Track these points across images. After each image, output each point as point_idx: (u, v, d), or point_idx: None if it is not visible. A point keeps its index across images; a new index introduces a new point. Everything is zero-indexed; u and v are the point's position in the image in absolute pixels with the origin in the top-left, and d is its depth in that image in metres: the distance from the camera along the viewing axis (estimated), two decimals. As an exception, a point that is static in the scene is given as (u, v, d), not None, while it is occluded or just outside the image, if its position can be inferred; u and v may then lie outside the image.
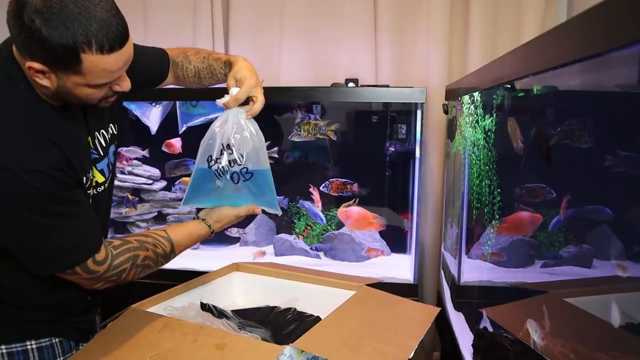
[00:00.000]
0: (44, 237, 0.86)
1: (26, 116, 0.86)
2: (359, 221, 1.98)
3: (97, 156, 1.01)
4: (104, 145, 1.03)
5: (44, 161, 0.83)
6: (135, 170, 2.15)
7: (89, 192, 0.96)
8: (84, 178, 0.94)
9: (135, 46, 1.07)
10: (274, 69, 2.25)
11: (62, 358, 1.02)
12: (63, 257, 0.89)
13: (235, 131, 1.06)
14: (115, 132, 1.08)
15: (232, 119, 1.08)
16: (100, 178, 1.01)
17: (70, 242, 0.89)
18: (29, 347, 0.98)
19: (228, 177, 1.07)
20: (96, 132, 1.01)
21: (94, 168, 0.99)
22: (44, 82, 0.84)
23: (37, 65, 0.80)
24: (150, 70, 1.21)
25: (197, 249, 2.14)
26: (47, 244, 0.87)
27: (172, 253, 1.05)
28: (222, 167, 1.07)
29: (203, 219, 1.12)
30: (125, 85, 0.92)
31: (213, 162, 1.08)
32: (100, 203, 1.03)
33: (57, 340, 1.01)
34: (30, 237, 0.86)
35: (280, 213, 1.15)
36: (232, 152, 1.06)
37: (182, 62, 1.26)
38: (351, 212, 1.98)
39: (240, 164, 1.06)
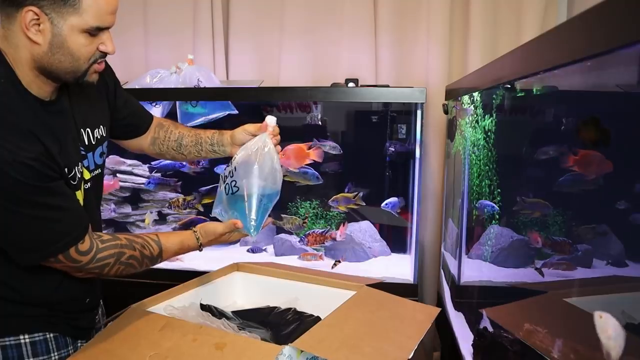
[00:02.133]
0: (25, 226, 0.87)
1: (4, 108, 0.87)
2: (297, 157, 1.95)
3: (83, 152, 1.02)
4: (88, 143, 1.04)
5: (22, 152, 0.84)
6: (136, 170, 2.15)
7: (74, 183, 0.97)
8: (71, 170, 0.95)
9: (125, 91, 1.22)
10: (274, 69, 2.25)
11: (56, 353, 1.02)
12: (44, 247, 0.90)
13: (250, 148, 1.11)
14: (105, 135, 1.09)
15: (256, 140, 1.13)
16: (86, 174, 1.03)
17: (51, 232, 0.90)
18: (22, 341, 0.98)
19: (224, 185, 1.11)
20: (81, 129, 1.02)
21: (82, 164, 1.01)
22: (38, 37, 0.86)
23: (32, 12, 0.84)
24: (133, 115, 1.22)
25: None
26: (29, 233, 0.88)
27: (160, 257, 1.06)
28: (224, 175, 1.13)
29: (195, 231, 1.12)
30: (111, 46, 0.94)
31: (224, 169, 1.15)
32: (89, 198, 1.04)
33: (51, 335, 1.01)
34: (11, 226, 0.87)
35: (253, 237, 1.20)
36: (231, 164, 1.12)
37: (169, 126, 1.27)
38: (287, 151, 1.94)
39: (231, 176, 1.10)
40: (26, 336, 0.98)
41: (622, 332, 0.70)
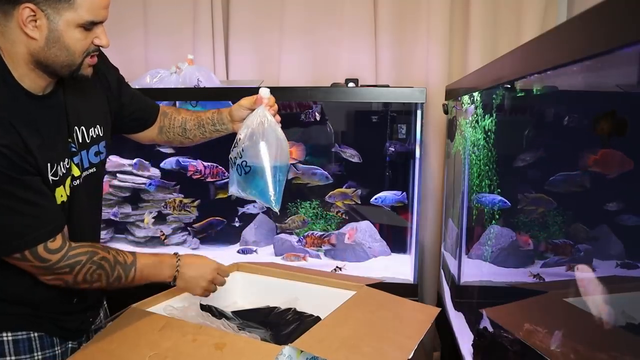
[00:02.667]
0: None
1: None
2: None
3: (74, 149, 1.02)
4: (82, 141, 1.04)
5: None
6: (136, 171, 2.15)
7: (55, 178, 0.96)
8: (53, 165, 0.95)
9: (130, 87, 1.24)
10: (274, 69, 2.25)
11: (40, 353, 1.01)
12: (9, 239, 0.89)
13: (251, 125, 1.11)
14: (102, 134, 1.09)
15: (255, 115, 1.13)
16: (75, 172, 1.02)
17: (19, 226, 0.90)
18: (4, 338, 0.98)
19: (235, 169, 1.12)
20: (76, 127, 1.02)
21: (71, 161, 1.01)
22: (35, 33, 0.88)
23: (29, 8, 0.85)
24: (140, 110, 1.24)
25: (197, 249, 2.14)
26: None
27: (133, 267, 1.02)
28: (233, 159, 1.13)
29: (178, 258, 1.10)
30: (105, 40, 0.96)
31: (231, 152, 1.14)
32: (77, 196, 1.03)
33: (35, 335, 1.01)
34: None
35: (276, 210, 1.12)
36: (237, 145, 1.11)
37: (172, 113, 1.28)
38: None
39: (241, 157, 1.10)
40: (9, 334, 0.98)
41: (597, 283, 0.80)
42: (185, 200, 2.14)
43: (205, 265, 1.14)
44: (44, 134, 0.94)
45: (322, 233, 2.03)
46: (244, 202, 2.11)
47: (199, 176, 2.07)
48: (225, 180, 2.07)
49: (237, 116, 1.19)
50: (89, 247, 0.97)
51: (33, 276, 0.95)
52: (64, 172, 0.98)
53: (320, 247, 2.02)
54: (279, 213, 1.21)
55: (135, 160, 2.12)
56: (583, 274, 0.95)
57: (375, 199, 1.98)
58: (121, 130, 1.23)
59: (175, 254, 1.11)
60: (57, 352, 1.04)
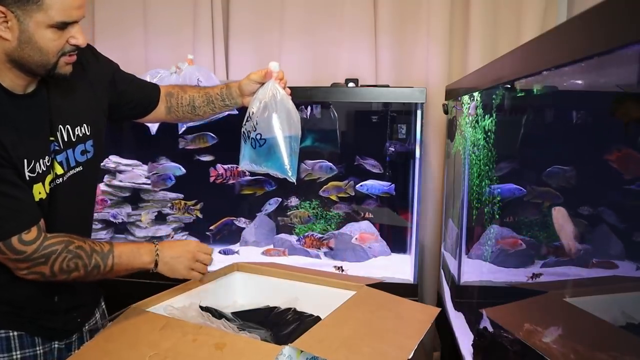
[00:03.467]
0: None
1: None
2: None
3: (57, 148, 1.01)
4: (68, 140, 1.03)
5: None
6: (136, 170, 2.15)
7: (32, 175, 0.95)
8: (30, 162, 0.94)
9: (127, 74, 1.24)
10: (274, 69, 2.24)
11: (19, 352, 1.00)
12: None
13: (263, 99, 1.13)
14: (88, 133, 1.07)
15: (265, 88, 1.15)
16: (59, 170, 1.02)
17: None
18: None
19: (249, 142, 1.15)
20: (60, 126, 1.02)
21: (54, 160, 1.00)
22: (7, 34, 0.87)
23: None
24: (138, 96, 1.24)
25: (226, 249, 2.14)
26: None
27: (110, 254, 1.01)
28: (247, 132, 1.15)
29: (156, 243, 1.09)
30: (82, 39, 0.94)
31: (243, 126, 1.16)
32: (62, 195, 1.02)
33: (15, 333, 1.00)
34: None
35: (293, 180, 1.14)
36: (251, 119, 1.14)
37: (178, 92, 1.28)
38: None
39: (255, 131, 1.13)
40: None
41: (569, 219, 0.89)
42: (189, 203, 2.14)
43: (185, 244, 1.15)
44: (23, 131, 0.94)
45: (321, 235, 2.03)
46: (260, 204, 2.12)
47: (221, 180, 2.08)
48: (245, 178, 2.08)
49: (246, 90, 1.20)
50: (65, 237, 0.96)
51: (11, 273, 0.94)
52: (44, 169, 0.97)
53: (319, 248, 2.02)
54: (295, 182, 1.17)
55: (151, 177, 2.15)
56: (559, 213, 0.98)
57: (361, 185, 1.99)
58: (127, 117, 1.25)
59: (153, 241, 1.11)
60: (38, 351, 1.03)
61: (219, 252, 2.07)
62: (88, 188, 1.14)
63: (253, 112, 1.13)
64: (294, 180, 1.14)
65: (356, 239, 1.97)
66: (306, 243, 2.02)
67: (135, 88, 1.23)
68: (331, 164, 2.01)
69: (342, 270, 1.90)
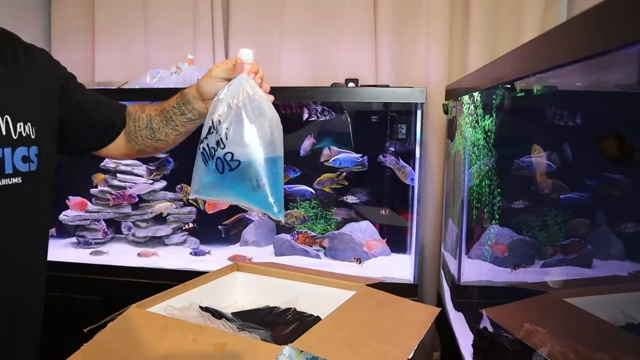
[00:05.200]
0: None
1: None
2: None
3: None
4: (6, 134, 0.84)
5: None
6: (135, 170, 2.15)
7: None
8: None
9: (85, 88, 1.01)
10: (274, 69, 2.25)
11: None
12: None
13: (233, 101, 0.85)
14: (33, 137, 0.87)
15: (235, 86, 0.86)
16: None
17: None
18: None
19: (213, 164, 0.85)
20: None
21: None
22: None
23: None
24: (97, 114, 1.01)
25: (197, 249, 2.13)
26: None
27: None
28: (209, 149, 0.85)
29: None
30: None
31: (200, 141, 0.87)
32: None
33: None
34: None
35: (280, 218, 0.84)
36: (215, 130, 0.85)
37: (136, 112, 1.05)
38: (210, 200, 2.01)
39: (223, 147, 0.84)
40: None
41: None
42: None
43: None
44: None
45: (315, 234, 2.03)
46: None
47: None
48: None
49: (207, 92, 0.92)
50: None
51: None
52: None
53: (311, 246, 2.02)
54: (283, 222, 0.96)
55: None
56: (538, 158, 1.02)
57: (334, 160, 1.98)
58: (81, 146, 1.02)
59: None
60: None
61: (190, 254, 2.07)
62: (26, 213, 0.89)
63: (218, 121, 0.84)
64: (282, 219, 0.85)
65: (365, 246, 1.98)
66: (299, 239, 2.02)
67: (93, 103, 1.01)
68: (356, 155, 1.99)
69: (360, 262, 1.90)
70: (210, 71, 0.91)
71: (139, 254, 2.02)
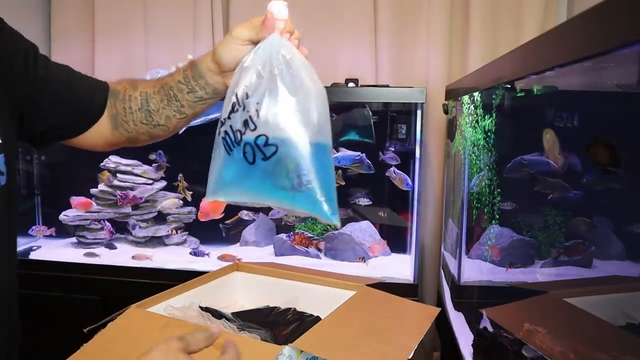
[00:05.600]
0: None
1: None
2: (214, 206, 2.03)
3: None
4: None
5: None
6: (135, 170, 2.15)
7: None
8: None
9: (50, 63, 0.79)
10: (274, 69, 2.24)
11: None
12: None
13: (265, 68, 0.65)
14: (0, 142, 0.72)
15: (265, 50, 0.67)
16: None
17: None
18: None
19: (239, 151, 0.65)
20: None
21: None
22: None
23: None
24: (69, 93, 0.80)
25: (196, 248, 2.14)
26: None
27: None
28: (233, 133, 0.65)
29: None
30: None
31: (220, 123, 0.67)
32: None
33: None
34: None
35: (337, 223, 0.64)
36: (241, 106, 0.64)
37: (125, 91, 0.83)
38: (203, 209, 2.04)
39: (253, 129, 0.63)
40: None
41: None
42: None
43: None
44: None
45: (311, 235, 2.03)
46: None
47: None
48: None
49: (227, 60, 0.71)
50: None
51: None
52: None
53: (307, 247, 2.02)
54: (339, 226, 0.72)
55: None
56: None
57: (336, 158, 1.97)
58: (50, 133, 0.81)
59: None
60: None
61: (190, 254, 2.07)
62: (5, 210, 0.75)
63: (245, 95, 0.64)
64: (337, 223, 0.64)
65: (370, 251, 1.98)
66: (295, 240, 2.02)
67: (63, 79, 0.79)
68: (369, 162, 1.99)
69: (365, 261, 1.90)
70: (231, 32, 0.71)
71: (133, 257, 2.01)
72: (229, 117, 0.66)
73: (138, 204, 2.15)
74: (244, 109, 0.65)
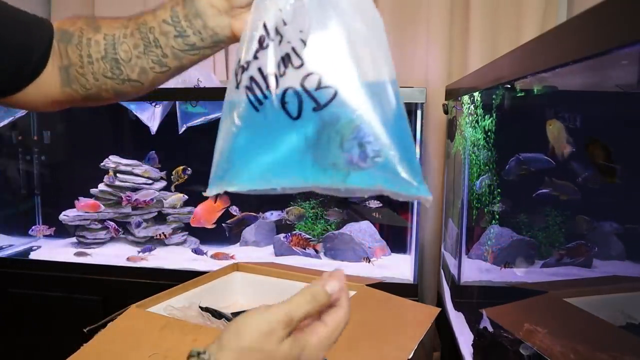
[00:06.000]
0: None
1: None
2: (208, 214, 2.03)
3: None
4: None
5: None
6: (135, 170, 2.15)
7: None
8: None
9: None
10: (274, 69, 2.24)
11: None
12: None
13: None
14: None
15: None
16: None
17: None
18: None
19: (276, 101, 0.45)
20: None
21: None
22: None
23: None
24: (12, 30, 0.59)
25: (197, 248, 2.14)
26: None
27: None
28: (264, 77, 0.46)
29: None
30: None
31: (240, 69, 0.47)
32: None
33: None
34: None
35: (428, 197, 0.45)
36: (282, 38, 0.45)
37: (82, 32, 0.63)
38: (197, 215, 2.05)
39: (299, 65, 0.44)
40: None
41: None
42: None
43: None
44: None
45: (309, 237, 2.03)
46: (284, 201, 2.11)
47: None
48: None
49: None
50: None
51: None
52: None
53: (305, 248, 2.02)
54: (430, 199, 0.45)
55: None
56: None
57: None
58: None
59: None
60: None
61: (192, 251, 2.07)
62: None
63: (282, 22, 0.45)
64: (429, 196, 0.45)
65: (370, 249, 1.98)
66: (292, 241, 2.02)
67: None
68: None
69: (369, 261, 1.90)
70: None
71: (127, 259, 2.00)
72: (255, 57, 0.46)
73: (145, 206, 2.15)
74: (280, 40, 0.45)
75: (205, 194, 0.49)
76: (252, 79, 0.46)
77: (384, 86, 0.47)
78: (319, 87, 0.44)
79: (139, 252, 2.05)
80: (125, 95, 0.62)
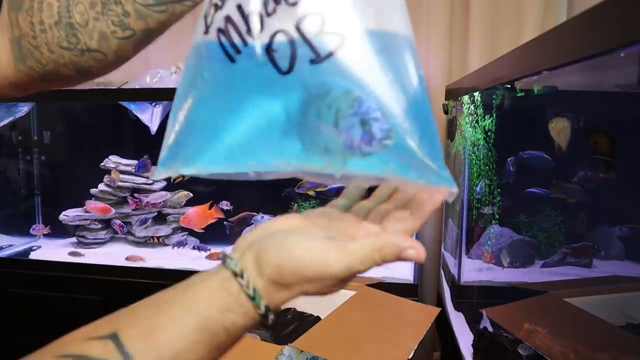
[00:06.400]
0: None
1: None
2: (200, 218, 2.02)
3: None
4: None
5: None
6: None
7: None
8: None
9: None
10: (274, 69, 2.24)
11: None
12: None
13: None
14: None
15: None
16: None
17: None
18: None
19: (259, 49, 0.33)
20: None
21: None
22: None
23: None
24: None
25: (196, 248, 2.14)
26: None
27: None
28: (242, 17, 0.34)
29: (236, 273, 0.37)
30: None
31: (213, 8, 0.39)
32: None
33: None
34: None
35: (454, 189, 0.32)
36: None
37: None
38: (188, 216, 2.03)
39: (294, 3, 0.32)
40: None
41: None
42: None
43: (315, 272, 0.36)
44: None
45: None
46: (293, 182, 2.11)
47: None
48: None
49: None
50: None
51: None
52: None
53: None
54: (455, 191, 0.31)
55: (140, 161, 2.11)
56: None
57: None
58: None
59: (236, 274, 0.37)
60: None
61: (192, 248, 2.07)
62: None
63: None
64: (454, 188, 0.32)
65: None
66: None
67: None
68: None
69: None
70: None
71: (126, 258, 1.99)
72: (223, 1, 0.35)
73: (153, 208, 2.15)
74: None
75: (152, 178, 0.36)
76: (228, 19, 0.35)
77: (397, 40, 0.35)
78: (319, 32, 0.32)
79: (173, 246, 2.07)
80: (88, 72, 0.51)
